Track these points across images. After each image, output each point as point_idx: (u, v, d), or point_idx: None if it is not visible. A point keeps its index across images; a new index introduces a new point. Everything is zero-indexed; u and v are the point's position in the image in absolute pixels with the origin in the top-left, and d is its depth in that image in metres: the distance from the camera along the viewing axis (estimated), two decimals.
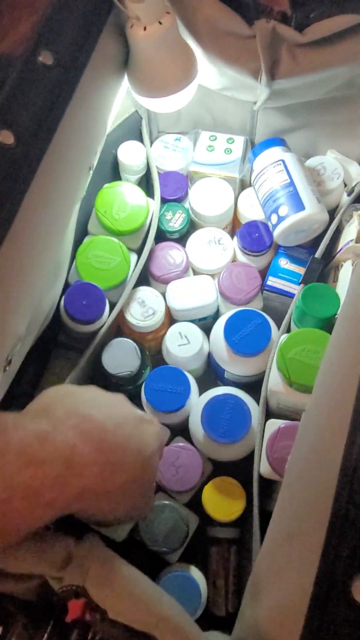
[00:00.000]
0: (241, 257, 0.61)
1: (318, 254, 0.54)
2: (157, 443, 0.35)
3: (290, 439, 0.44)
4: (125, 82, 0.47)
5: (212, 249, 0.60)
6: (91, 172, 0.46)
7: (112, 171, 0.61)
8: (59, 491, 0.28)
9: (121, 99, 0.47)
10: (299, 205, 0.55)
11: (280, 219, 0.56)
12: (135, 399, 0.56)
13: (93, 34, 0.37)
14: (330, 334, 0.46)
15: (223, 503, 0.49)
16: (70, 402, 0.32)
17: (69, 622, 0.31)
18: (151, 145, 0.64)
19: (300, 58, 0.43)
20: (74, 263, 0.54)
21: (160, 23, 0.39)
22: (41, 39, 0.35)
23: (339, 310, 0.48)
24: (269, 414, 0.50)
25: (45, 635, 0.29)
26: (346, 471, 0.25)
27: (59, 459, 0.28)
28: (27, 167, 0.33)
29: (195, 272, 0.61)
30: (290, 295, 0.57)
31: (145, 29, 0.39)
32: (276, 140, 0.60)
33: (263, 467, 0.45)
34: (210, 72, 0.48)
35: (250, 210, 0.62)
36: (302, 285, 0.53)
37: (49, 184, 0.36)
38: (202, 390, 0.56)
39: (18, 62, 0.34)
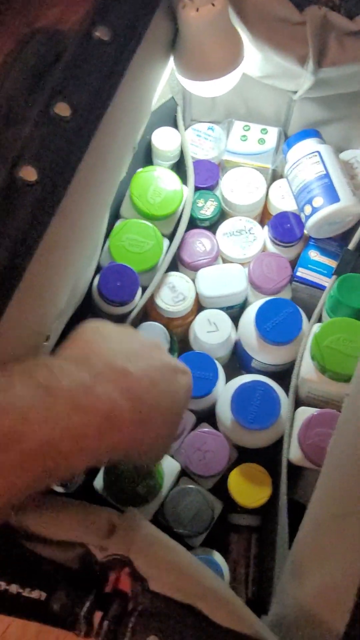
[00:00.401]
0: (271, 248, 0.61)
1: (351, 245, 0.54)
2: (187, 397, 0.36)
3: (324, 426, 0.44)
4: (169, 65, 0.47)
5: (243, 238, 0.60)
6: (134, 152, 0.46)
7: (145, 157, 0.61)
8: (100, 441, 0.29)
9: (165, 81, 0.47)
10: (334, 196, 0.55)
11: (314, 210, 0.56)
12: None
13: (148, 12, 0.38)
14: None
15: (249, 489, 0.49)
16: (107, 352, 0.32)
17: (109, 592, 0.31)
18: None
19: (349, 46, 0.43)
20: (107, 245, 0.54)
21: (212, 5, 0.39)
22: (98, 15, 0.35)
23: None
24: (297, 402, 0.50)
25: (87, 604, 0.29)
26: None
27: (101, 412, 0.29)
28: (80, 140, 0.33)
29: (224, 261, 0.61)
30: (320, 287, 0.57)
31: (197, 10, 0.39)
32: (311, 132, 0.60)
33: (293, 453, 0.45)
34: (254, 59, 0.48)
35: (281, 201, 0.62)
36: (335, 276, 0.53)
37: (99, 159, 0.36)
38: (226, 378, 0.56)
39: (76, 37, 0.35)
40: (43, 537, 0.30)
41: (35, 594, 0.29)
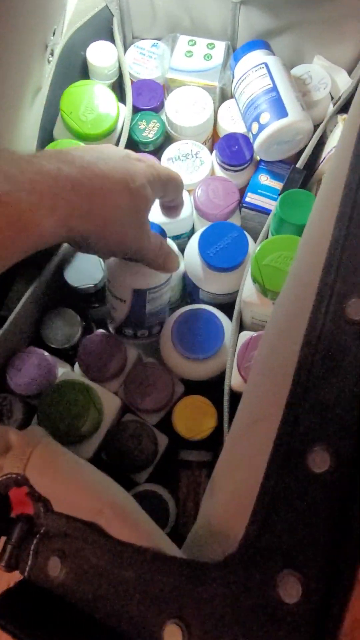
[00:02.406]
0: (220, 173, 0.57)
1: (299, 163, 0.51)
2: (145, 177, 0.36)
3: None
4: None
5: (189, 163, 0.56)
6: (50, 58, 0.41)
7: (82, 76, 0.56)
8: (54, 200, 0.29)
9: None
10: (281, 111, 0.51)
11: (261, 128, 0.52)
12: (104, 316, 0.54)
13: None
14: None
15: (194, 421, 0.47)
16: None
17: (12, 517, 0.29)
18: (125, 51, 0.59)
19: None
20: None
21: None
22: None
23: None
24: (242, 329, 0.47)
25: None
26: (310, 338, 0.23)
27: (50, 174, 0.30)
28: None
29: None
30: (270, 213, 0.54)
31: None
32: (259, 43, 0.55)
33: (234, 379, 0.43)
34: None
35: (231, 123, 0.58)
36: (280, 196, 0.49)
37: None
38: None
39: None
40: None
41: None
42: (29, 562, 0.27)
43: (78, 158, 0.32)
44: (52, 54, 0.41)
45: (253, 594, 0.20)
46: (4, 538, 0.29)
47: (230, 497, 0.25)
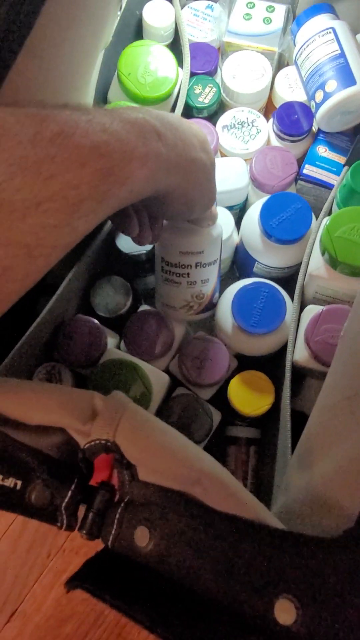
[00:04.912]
0: (275, 143, 0.55)
1: None
2: (202, 133, 0.35)
3: (334, 321, 0.40)
4: None
5: (245, 131, 0.54)
6: (119, 12, 0.39)
7: (136, 36, 0.54)
8: (146, 147, 0.28)
9: None
10: (349, 79, 0.49)
11: (327, 96, 0.50)
12: (153, 284, 0.52)
13: None
14: None
15: (251, 397, 0.46)
16: None
17: (94, 485, 0.28)
18: None
19: None
20: None
21: None
22: None
23: None
24: (302, 304, 0.46)
25: (69, 494, 0.26)
26: None
27: (138, 123, 0.28)
28: None
29: (223, 156, 0.55)
30: (329, 186, 0.52)
31: None
32: (324, 6, 0.53)
33: (299, 354, 0.41)
34: None
35: (289, 92, 0.56)
36: (346, 167, 0.47)
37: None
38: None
39: None
40: (18, 422, 0.26)
41: (9, 482, 0.26)
42: (113, 531, 0.26)
43: (151, 110, 0.31)
44: (120, 8, 0.39)
45: None
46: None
47: (334, 472, 0.24)
